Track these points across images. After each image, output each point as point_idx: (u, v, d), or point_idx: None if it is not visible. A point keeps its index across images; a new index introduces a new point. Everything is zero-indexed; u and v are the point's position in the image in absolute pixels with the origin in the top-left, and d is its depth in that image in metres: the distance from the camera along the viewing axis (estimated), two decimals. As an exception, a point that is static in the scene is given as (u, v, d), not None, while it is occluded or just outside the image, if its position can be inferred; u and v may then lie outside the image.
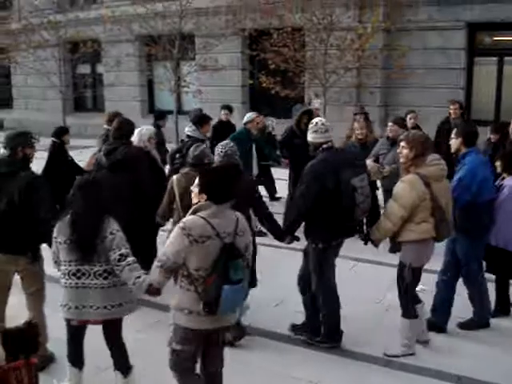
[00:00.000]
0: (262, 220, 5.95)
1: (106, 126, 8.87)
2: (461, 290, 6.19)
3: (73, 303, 4.53)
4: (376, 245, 5.68)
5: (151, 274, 4.22)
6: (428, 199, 5.22)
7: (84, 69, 23.73)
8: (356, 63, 16.22)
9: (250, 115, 9.26)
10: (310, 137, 5.66)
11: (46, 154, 8.54)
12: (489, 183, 5.89)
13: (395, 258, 5.80)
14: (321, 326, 5.88)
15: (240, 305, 4.35)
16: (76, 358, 4.84)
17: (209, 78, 19.58)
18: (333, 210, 5.36)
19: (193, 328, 4.17)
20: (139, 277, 4.31)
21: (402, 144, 5.46)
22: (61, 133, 8.78)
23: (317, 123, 5.65)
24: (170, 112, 16.89)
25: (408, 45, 16.57)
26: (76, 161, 9.01)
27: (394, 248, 7.73)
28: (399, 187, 5.35)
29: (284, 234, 5.84)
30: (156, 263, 4.13)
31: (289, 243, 5.86)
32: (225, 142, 6.05)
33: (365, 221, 5.95)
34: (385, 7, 16.64)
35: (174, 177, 6.12)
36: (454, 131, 5.99)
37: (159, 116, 11.63)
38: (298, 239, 5.82)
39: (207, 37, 18.95)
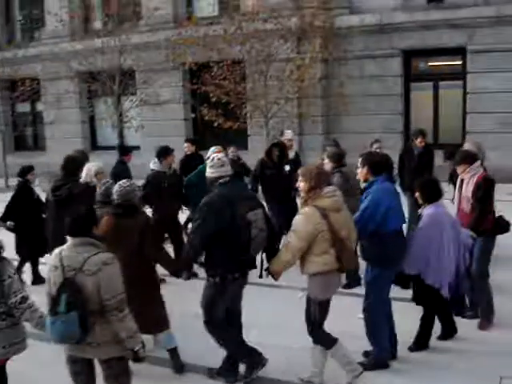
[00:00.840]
0: (153, 256, 5.75)
1: None
2: (402, 314, 6.19)
3: None
4: (275, 278, 5.43)
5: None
6: (326, 230, 5.15)
7: (23, 107, 23.37)
8: (296, 93, 16.48)
9: (212, 150, 9.32)
10: (207, 171, 5.63)
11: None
12: (395, 212, 5.76)
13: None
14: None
15: (71, 337, 4.20)
16: None
17: (151, 113, 19.57)
18: (229, 244, 5.30)
19: (65, 351, 4.48)
20: (41, 317, 4.47)
21: (299, 178, 5.45)
22: (24, 172, 9.06)
23: (213, 158, 5.63)
24: (114, 148, 16.68)
25: (346, 73, 16.94)
26: (42, 198, 9.09)
27: (350, 285, 7.73)
28: (297, 219, 5.31)
29: (179, 270, 5.78)
30: None
31: (186, 279, 5.79)
32: (124, 180, 5.98)
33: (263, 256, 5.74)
34: (322, 38, 16.99)
35: None
36: (360, 160, 5.94)
37: (123, 151, 10.79)
38: (195, 275, 5.75)
39: (147, 71, 18.97)
